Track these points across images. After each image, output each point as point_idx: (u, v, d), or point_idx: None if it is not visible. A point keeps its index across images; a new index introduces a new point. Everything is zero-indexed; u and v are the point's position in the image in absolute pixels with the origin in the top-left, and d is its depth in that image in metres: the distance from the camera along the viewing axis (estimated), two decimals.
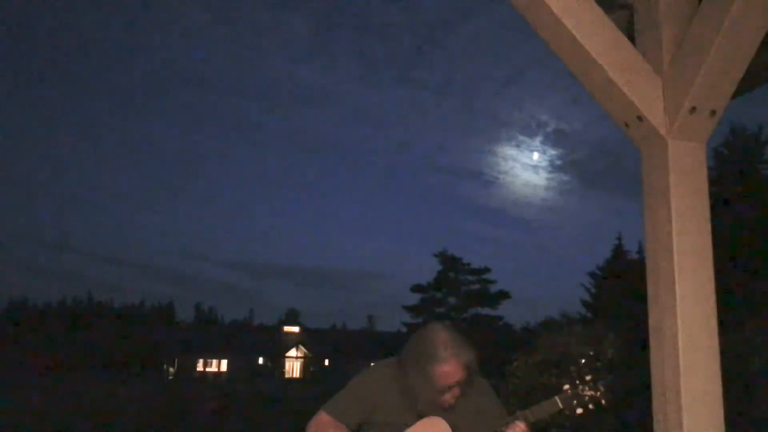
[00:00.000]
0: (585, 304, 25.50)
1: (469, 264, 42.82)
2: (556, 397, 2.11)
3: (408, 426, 2.07)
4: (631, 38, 1.77)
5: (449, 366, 2.01)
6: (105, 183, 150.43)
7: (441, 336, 2.07)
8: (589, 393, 2.11)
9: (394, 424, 2.07)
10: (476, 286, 42.57)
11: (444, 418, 2.07)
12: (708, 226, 1.63)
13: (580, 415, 2.09)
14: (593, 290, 25.84)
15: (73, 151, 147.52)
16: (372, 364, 2.37)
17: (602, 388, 2.12)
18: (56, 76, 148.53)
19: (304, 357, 64.92)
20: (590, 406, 2.10)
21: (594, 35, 1.62)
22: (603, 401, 2.11)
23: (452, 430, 2.07)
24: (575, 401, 2.10)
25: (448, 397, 2.05)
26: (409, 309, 42.79)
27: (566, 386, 2.13)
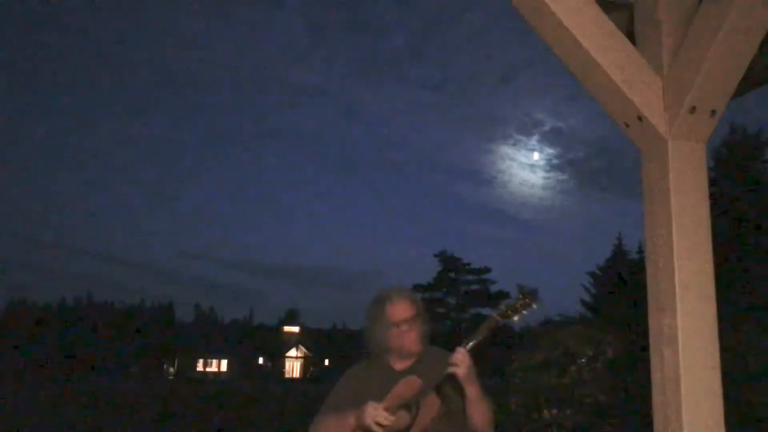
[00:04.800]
0: (585, 304, 25.50)
1: (469, 264, 42.86)
2: (492, 314, 2.26)
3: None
4: (631, 38, 1.77)
5: (397, 302, 2.33)
6: (105, 183, 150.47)
7: (384, 289, 2.41)
8: (520, 301, 2.24)
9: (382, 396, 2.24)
10: (476, 286, 42.59)
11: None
12: (708, 226, 1.63)
13: (517, 320, 2.21)
14: (593, 290, 25.85)
15: (72, 151, 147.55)
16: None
17: (531, 292, 2.24)
18: (55, 77, 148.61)
19: (304, 357, 64.97)
20: (524, 312, 2.22)
21: (594, 35, 1.62)
22: (534, 305, 2.22)
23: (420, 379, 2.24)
24: (509, 310, 2.23)
25: (410, 334, 2.28)
26: None
27: (502, 305, 2.27)
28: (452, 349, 2.23)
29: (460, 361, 2.14)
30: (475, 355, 2.19)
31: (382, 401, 2.20)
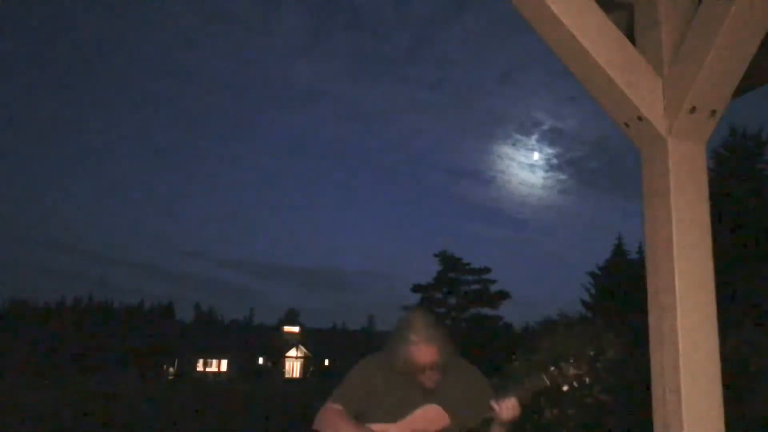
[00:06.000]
0: (585, 304, 25.48)
1: (469, 264, 42.79)
2: (543, 375, 2.24)
3: (405, 406, 2.19)
4: (631, 38, 1.77)
5: (418, 348, 2.20)
6: (105, 183, 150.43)
7: (413, 321, 2.26)
8: (573, 372, 2.22)
9: (394, 407, 2.19)
10: (476, 286, 42.53)
11: (437, 403, 2.21)
12: (708, 227, 1.63)
13: (566, 392, 2.21)
14: (593, 290, 25.83)
15: (72, 151, 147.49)
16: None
17: (585, 367, 2.20)
18: (55, 77, 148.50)
19: (304, 357, 64.92)
20: (575, 384, 2.22)
21: (594, 35, 1.62)
22: (587, 379, 2.19)
23: (447, 414, 2.18)
24: (560, 379, 2.22)
25: (425, 378, 2.21)
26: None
27: (552, 367, 2.25)
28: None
29: (509, 408, 2.12)
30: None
31: (398, 417, 2.14)
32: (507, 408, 2.11)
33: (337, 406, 2.20)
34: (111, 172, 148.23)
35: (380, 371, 2.30)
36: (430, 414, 2.14)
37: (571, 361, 2.23)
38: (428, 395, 2.21)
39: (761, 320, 10.03)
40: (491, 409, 2.12)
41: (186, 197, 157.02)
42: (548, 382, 2.20)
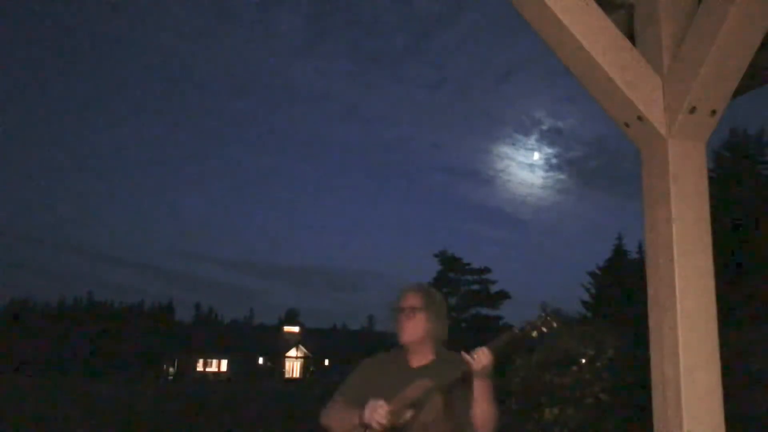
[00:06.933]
0: (585, 304, 25.46)
1: (469, 264, 42.76)
2: (513, 327, 2.36)
3: (398, 388, 2.28)
4: (631, 38, 1.77)
5: (402, 291, 2.46)
6: (105, 183, 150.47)
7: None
8: (540, 320, 2.31)
9: (388, 392, 2.28)
10: (476, 286, 42.51)
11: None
12: (708, 227, 1.63)
13: (535, 337, 2.29)
14: (593, 290, 25.81)
15: (72, 151, 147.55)
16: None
17: (553, 312, 2.32)
18: (55, 77, 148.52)
19: (304, 357, 64.91)
20: (543, 329, 2.29)
21: (594, 35, 1.62)
22: (554, 324, 2.29)
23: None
24: (528, 326, 2.30)
25: (406, 323, 2.38)
26: None
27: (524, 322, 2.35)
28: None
29: (480, 356, 2.19)
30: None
31: (390, 397, 2.23)
32: (478, 357, 2.18)
33: (338, 399, 2.39)
34: (111, 172, 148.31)
35: (377, 365, 2.46)
36: (418, 388, 2.25)
37: (542, 314, 2.31)
38: (419, 376, 2.32)
39: (761, 320, 10.03)
40: (464, 362, 2.20)
41: (186, 197, 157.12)
42: (518, 332, 2.30)
